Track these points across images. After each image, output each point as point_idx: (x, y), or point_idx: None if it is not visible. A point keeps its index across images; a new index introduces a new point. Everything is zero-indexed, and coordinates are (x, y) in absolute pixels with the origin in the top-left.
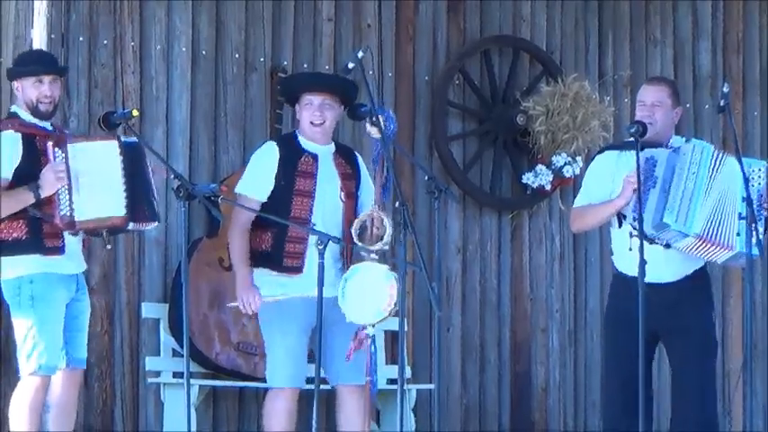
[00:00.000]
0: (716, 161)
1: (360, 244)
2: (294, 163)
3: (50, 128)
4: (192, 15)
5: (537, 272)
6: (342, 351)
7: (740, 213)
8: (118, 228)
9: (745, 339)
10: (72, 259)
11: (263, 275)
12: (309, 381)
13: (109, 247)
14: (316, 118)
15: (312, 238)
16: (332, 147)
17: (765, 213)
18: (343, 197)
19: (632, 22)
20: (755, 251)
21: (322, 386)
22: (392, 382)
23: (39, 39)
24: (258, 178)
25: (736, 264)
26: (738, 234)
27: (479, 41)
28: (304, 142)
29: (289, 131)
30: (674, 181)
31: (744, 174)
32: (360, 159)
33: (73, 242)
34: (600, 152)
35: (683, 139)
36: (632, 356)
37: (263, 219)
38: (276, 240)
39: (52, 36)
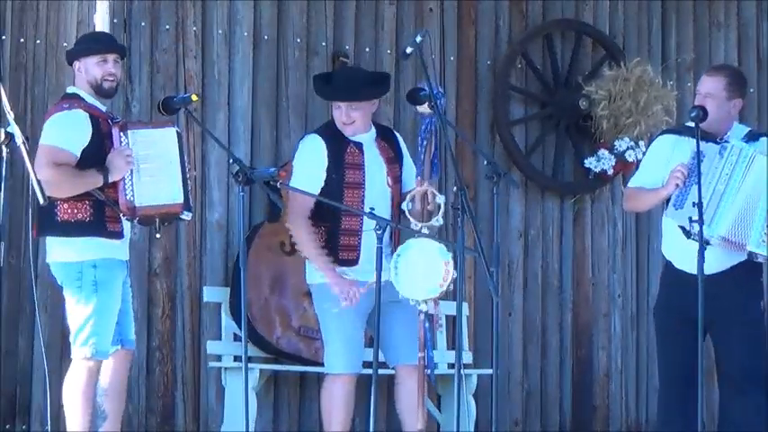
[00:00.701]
0: (750, 162)
1: (412, 220)
2: (341, 155)
3: (104, 110)
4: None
5: (599, 256)
6: (398, 332)
7: None
8: (172, 215)
9: None
10: (126, 244)
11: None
12: (368, 365)
13: (158, 235)
14: (344, 120)
15: (366, 225)
16: (373, 132)
17: None
18: (389, 182)
19: (695, 5)
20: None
21: (380, 371)
22: (453, 366)
23: (101, 23)
24: (309, 175)
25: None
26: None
27: (541, 25)
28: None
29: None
30: (707, 180)
31: None
32: (400, 139)
33: (127, 227)
34: (660, 135)
35: (745, 127)
36: (680, 347)
37: (316, 215)
38: (330, 235)
39: (114, 21)
